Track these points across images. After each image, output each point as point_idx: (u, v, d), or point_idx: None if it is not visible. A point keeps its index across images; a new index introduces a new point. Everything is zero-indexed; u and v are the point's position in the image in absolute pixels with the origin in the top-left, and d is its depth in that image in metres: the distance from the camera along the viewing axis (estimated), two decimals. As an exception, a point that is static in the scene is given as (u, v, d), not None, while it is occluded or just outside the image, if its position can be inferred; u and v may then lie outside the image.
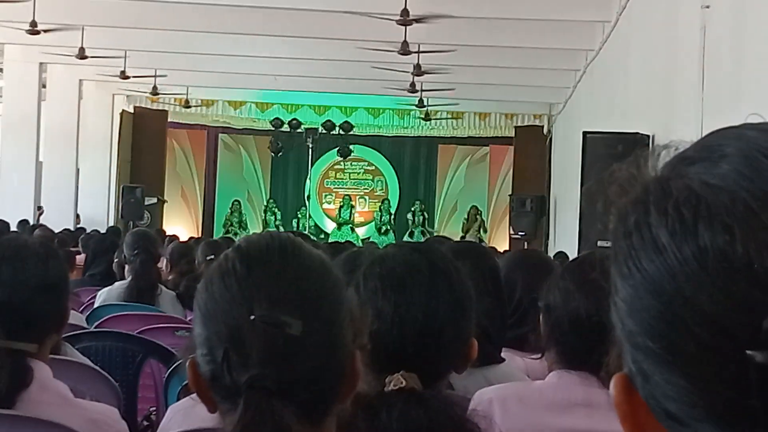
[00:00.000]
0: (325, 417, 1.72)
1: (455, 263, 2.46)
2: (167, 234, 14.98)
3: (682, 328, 0.86)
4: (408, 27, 14.11)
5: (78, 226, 19.98)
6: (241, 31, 16.63)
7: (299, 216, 27.74)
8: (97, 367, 4.04)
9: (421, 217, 27.59)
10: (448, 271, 2.38)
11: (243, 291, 1.68)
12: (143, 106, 25.61)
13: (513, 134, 25.94)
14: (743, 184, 0.87)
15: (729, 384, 0.84)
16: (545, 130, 24.51)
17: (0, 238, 3.17)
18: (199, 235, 22.64)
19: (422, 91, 20.52)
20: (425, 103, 22.53)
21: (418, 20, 13.86)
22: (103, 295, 7.03)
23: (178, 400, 3.79)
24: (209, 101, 26.41)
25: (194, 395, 1.74)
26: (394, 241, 23.44)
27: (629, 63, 12.33)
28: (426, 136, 27.88)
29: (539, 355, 3.13)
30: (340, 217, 28.06)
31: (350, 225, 27.90)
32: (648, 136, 10.34)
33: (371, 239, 25.60)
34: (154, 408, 5.24)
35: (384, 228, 27.64)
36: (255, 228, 27.34)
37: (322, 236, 26.29)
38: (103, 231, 14.91)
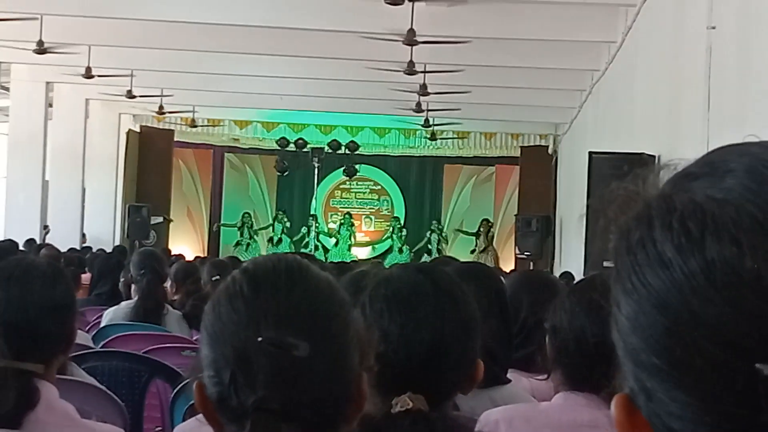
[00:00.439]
0: (332, 439, 1.72)
1: (460, 284, 2.46)
2: (173, 253, 14.99)
3: (688, 343, 0.84)
4: (414, 47, 14.12)
5: (84, 245, 19.99)
6: (248, 51, 16.66)
7: (307, 230, 27.69)
8: (103, 387, 4.04)
9: (437, 239, 27.48)
10: (454, 292, 2.38)
11: (250, 313, 1.69)
12: (149, 125, 25.65)
13: (519, 154, 25.95)
14: (749, 197, 0.87)
15: (737, 400, 0.83)
16: (551, 150, 24.51)
17: (8, 258, 3.17)
18: (205, 255, 22.66)
19: (428, 110, 20.53)
20: (431, 123, 22.54)
21: (424, 41, 13.87)
22: (109, 315, 7.04)
23: (184, 420, 3.79)
24: (215, 121, 26.44)
25: (200, 416, 1.75)
26: (409, 260, 23.47)
27: (635, 83, 12.34)
28: (432, 156, 27.90)
29: (545, 376, 3.13)
30: (339, 233, 28.03)
31: (349, 244, 27.84)
32: (654, 156, 10.33)
33: (388, 259, 25.56)
34: (160, 428, 5.24)
35: (401, 248, 27.56)
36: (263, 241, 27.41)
37: (327, 255, 26.33)
38: (109, 250, 14.93)
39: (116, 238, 23.14)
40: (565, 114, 20.46)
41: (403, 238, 27.87)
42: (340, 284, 1.87)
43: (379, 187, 28.90)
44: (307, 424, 1.65)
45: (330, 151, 26.60)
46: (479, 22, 14.25)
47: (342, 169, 27.40)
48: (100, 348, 5.90)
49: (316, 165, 26.41)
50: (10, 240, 13.55)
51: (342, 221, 28.20)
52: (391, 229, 28.14)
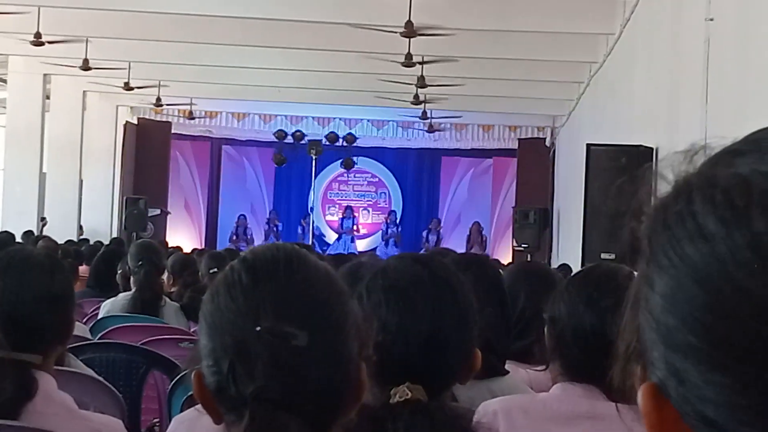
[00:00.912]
0: (331, 429, 1.72)
1: (457, 274, 2.46)
2: (170, 246, 14.98)
3: (731, 320, 0.81)
4: (412, 39, 14.11)
5: (81, 237, 19.98)
6: (245, 43, 16.65)
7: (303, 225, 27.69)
8: (101, 379, 4.05)
9: (435, 238, 27.44)
10: (451, 282, 2.38)
11: (249, 302, 1.69)
12: (147, 117, 25.64)
13: (516, 146, 25.94)
14: None
15: None
16: (549, 143, 24.52)
17: (5, 249, 3.17)
18: (203, 247, 22.66)
19: (426, 103, 20.53)
20: (429, 115, 22.53)
21: (421, 32, 13.86)
22: (107, 306, 7.04)
23: (181, 411, 3.79)
24: (213, 113, 26.44)
25: (199, 406, 1.75)
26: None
27: (633, 75, 12.34)
28: (429, 148, 27.88)
29: (543, 367, 3.13)
30: (342, 227, 28.02)
31: (351, 236, 27.85)
32: (652, 148, 10.35)
33: (377, 251, 25.54)
34: (158, 419, 5.24)
35: (391, 239, 27.55)
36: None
37: (325, 248, 26.32)
38: (106, 242, 14.92)
39: (113, 230, 23.13)
40: (563, 106, 20.46)
41: (397, 232, 27.83)
42: (337, 275, 1.87)
43: (377, 179, 28.89)
44: (306, 414, 1.65)
45: (328, 143, 26.61)
46: (477, 13, 14.24)
47: (339, 161, 27.41)
48: (98, 339, 5.90)
49: (314, 157, 26.40)
50: (6, 231, 13.55)
51: (343, 215, 28.18)
52: (386, 223, 28.10)
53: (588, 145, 11.00)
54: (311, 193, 27.57)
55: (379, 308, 2.27)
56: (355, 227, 28.05)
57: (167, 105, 23.71)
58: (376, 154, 28.30)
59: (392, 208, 28.50)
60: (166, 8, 14.65)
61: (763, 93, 6.56)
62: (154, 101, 22.26)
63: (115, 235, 21.68)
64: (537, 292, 4.19)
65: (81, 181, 22.05)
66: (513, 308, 4.11)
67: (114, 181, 23.94)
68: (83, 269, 9.92)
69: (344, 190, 28.96)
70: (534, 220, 22.06)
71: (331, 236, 28.23)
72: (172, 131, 26.36)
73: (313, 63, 18.05)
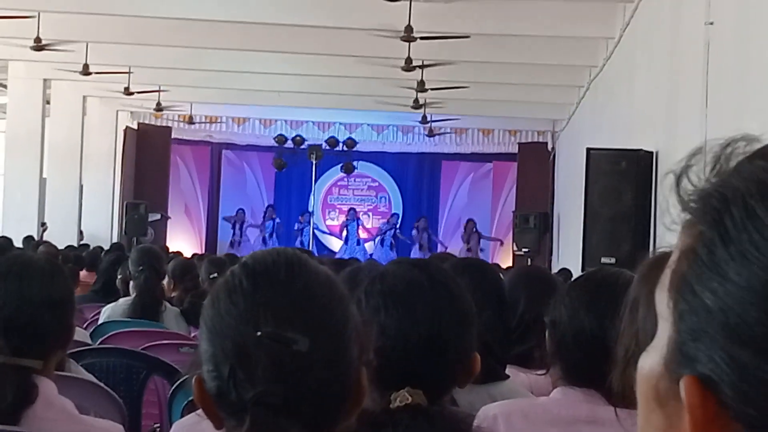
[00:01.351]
0: (331, 433, 1.72)
1: (455, 278, 2.46)
2: (170, 251, 14.98)
3: None
4: (411, 43, 14.11)
5: (81, 242, 19.98)
6: (245, 48, 16.65)
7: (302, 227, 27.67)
8: (101, 384, 4.04)
9: (426, 235, 27.43)
10: (449, 286, 2.38)
11: (249, 307, 1.69)
12: (147, 122, 25.66)
13: (516, 150, 25.95)
14: None
15: None
16: (549, 147, 24.51)
17: (6, 254, 3.17)
18: (203, 252, 22.65)
19: (426, 107, 20.52)
20: (429, 120, 22.53)
21: (421, 37, 13.87)
22: (107, 311, 7.04)
23: (182, 416, 3.79)
24: (213, 117, 26.44)
25: (200, 411, 1.75)
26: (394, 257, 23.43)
27: (633, 79, 12.34)
28: (429, 153, 27.87)
29: (543, 372, 3.14)
30: (347, 231, 27.95)
31: (357, 239, 27.81)
32: (651, 152, 10.35)
33: (373, 255, 25.51)
34: (158, 424, 5.24)
35: (388, 241, 27.50)
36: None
37: (325, 252, 26.30)
38: (106, 247, 14.93)
39: (114, 235, 23.13)
40: (563, 110, 20.46)
41: (395, 235, 27.77)
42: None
43: (377, 183, 28.88)
44: (306, 419, 1.65)
45: (328, 147, 26.60)
46: (477, 18, 14.25)
47: (340, 165, 27.42)
48: (98, 345, 5.90)
49: (314, 162, 26.42)
50: (4, 237, 13.55)
51: (347, 218, 28.12)
52: (387, 224, 28.04)
53: (588, 149, 11.00)
54: (311, 197, 27.57)
55: (378, 313, 2.27)
56: (360, 231, 27.96)
57: (167, 110, 23.70)
58: (377, 158, 28.29)
59: (394, 212, 28.42)
60: (166, 13, 14.65)
61: (763, 97, 6.56)
62: (155, 106, 22.25)
63: (115, 240, 21.67)
64: (537, 296, 4.19)
65: (81, 186, 22.05)
66: (513, 312, 4.12)
67: (114, 186, 23.95)
68: (84, 275, 9.92)
69: (344, 195, 28.93)
70: (534, 224, 22.06)
71: (331, 241, 28.17)
72: (173, 136, 26.38)
73: (313, 67, 18.06)
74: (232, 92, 21.41)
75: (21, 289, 2.91)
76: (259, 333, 1.64)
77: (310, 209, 27.57)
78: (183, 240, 25.86)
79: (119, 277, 7.96)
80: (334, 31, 15.15)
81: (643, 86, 11.66)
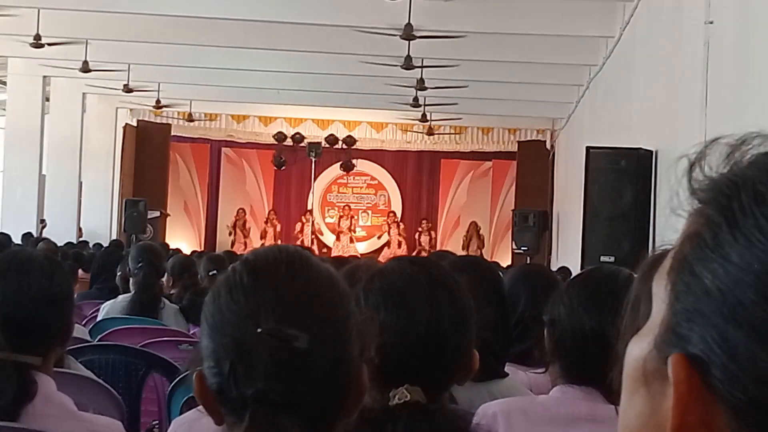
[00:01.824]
0: (331, 430, 1.72)
1: (454, 275, 2.46)
2: (171, 248, 14.99)
3: None
4: (411, 42, 14.11)
5: (80, 239, 19.98)
6: (245, 45, 16.65)
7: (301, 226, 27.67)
8: (100, 381, 4.05)
9: (428, 238, 27.42)
10: (448, 284, 2.38)
11: (250, 304, 1.69)
12: (146, 119, 25.67)
13: (516, 149, 25.96)
14: None
15: None
16: (548, 145, 24.52)
17: (5, 251, 3.17)
18: (202, 249, 22.66)
19: (425, 105, 20.53)
20: (428, 118, 22.53)
21: (421, 35, 13.86)
22: (106, 308, 7.04)
23: (181, 413, 3.79)
24: (212, 115, 26.43)
25: (201, 407, 1.75)
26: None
27: (632, 78, 12.34)
28: (429, 151, 27.88)
29: (543, 370, 3.14)
30: (340, 227, 27.96)
31: (350, 236, 27.79)
32: (651, 151, 10.35)
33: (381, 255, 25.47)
34: (157, 421, 5.25)
35: (394, 241, 27.46)
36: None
37: (324, 250, 26.31)
38: (105, 244, 14.93)
39: (113, 232, 23.14)
40: (563, 109, 20.46)
41: (400, 233, 27.78)
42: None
43: (376, 182, 28.88)
44: (306, 416, 1.65)
45: (327, 145, 26.62)
46: (476, 16, 14.25)
47: (339, 163, 27.42)
48: (98, 341, 5.90)
49: (313, 159, 26.43)
50: (3, 233, 13.55)
51: (341, 214, 28.13)
52: (388, 225, 28.03)
53: (588, 148, 10.99)
54: (311, 195, 27.58)
55: (376, 310, 2.27)
56: (352, 227, 27.95)
57: (167, 107, 23.71)
58: (376, 156, 28.29)
59: (392, 209, 28.40)
60: (166, 10, 14.65)
61: (763, 96, 6.56)
62: (154, 103, 22.27)
63: (114, 237, 21.67)
64: (537, 294, 4.19)
65: (80, 183, 22.06)
66: (512, 311, 4.12)
67: (113, 183, 23.96)
68: (83, 273, 9.92)
69: (343, 193, 28.93)
70: (533, 222, 22.06)
71: (330, 239, 28.16)
72: (172, 133, 26.38)
73: (312, 65, 18.06)
74: (232, 90, 21.41)
75: (20, 285, 2.91)
76: (259, 329, 1.64)
77: (309, 207, 27.56)
78: (182, 237, 25.87)
79: (118, 274, 7.96)
80: (333, 29, 15.15)
81: (642, 85, 11.66)
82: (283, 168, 27.55)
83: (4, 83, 21.06)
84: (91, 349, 5.36)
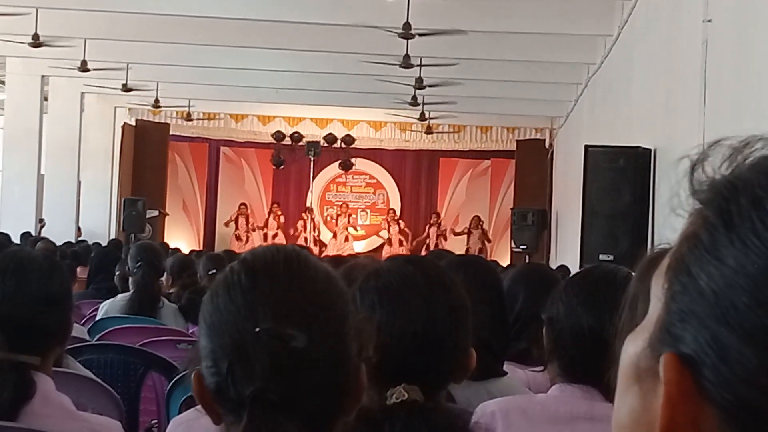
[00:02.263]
0: (330, 430, 1.72)
1: (449, 273, 2.46)
2: (170, 247, 14.98)
3: None
4: (410, 40, 14.12)
5: (79, 238, 19.98)
6: (243, 45, 16.64)
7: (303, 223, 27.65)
8: (99, 380, 4.04)
9: (435, 233, 27.38)
10: (444, 282, 2.38)
11: (248, 303, 1.69)
12: (145, 119, 25.65)
13: (515, 148, 25.95)
14: None
15: None
16: (547, 144, 24.52)
17: (4, 251, 3.17)
18: (201, 248, 22.65)
19: (424, 104, 20.53)
20: (427, 117, 22.53)
21: (420, 33, 13.86)
22: (105, 308, 7.04)
23: (179, 412, 3.79)
24: (211, 114, 26.43)
25: (199, 407, 1.75)
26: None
27: (631, 77, 12.34)
28: (427, 150, 27.87)
29: (541, 368, 3.14)
30: (337, 225, 27.93)
31: (346, 234, 27.75)
32: (650, 149, 10.35)
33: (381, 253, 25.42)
34: (156, 421, 5.24)
35: (394, 239, 27.39)
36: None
37: (323, 249, 26.31)
38: (104, 244, 14.92)
39: (112, 231, 23.14)
40: (561, 107, 20.47)
41: (401, 230, 27.73)
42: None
43: (375, 180, 28.87)
44: (305, 416, 1.65)
45: (326, 144, 26.62)
46: (475, 15, 14.25)
47: (338, 162, 27.42)
48: (96, 341, 5.90)
49: (312, 158, 26.43)
50: (2, 233, 13.54)
51: (338, 213, 28.11)
52: (387, 222, 27.98)
53: (586, 147, 11.00)
54: (309, 194, 27.57)
55: (372, 310, 2.27)
56: (349, 225, 27.89)
57: (165, 106, 23.70)
58: (374, 155, 28.28)
59: (391, 207, 28.35)
60: (164, 10, 14.65)
61: (761, 94, 6.56)
62: (152, 103, 22.25)
63: (113, 236, 21.66)
64: (535, 293, 4.19)
65: (79, 183, 22.07)
66: (511, 309, 4.12)
67: (112, 183, 23.96)
68: (81, 270, 9.91)
69: (342, 192, 28.92)
70: (532, 221, 22.04)
71: (327, 237, 28.13)
72: (170, 133, 26.36)
73: (311, 64, 18.06)
74: (230, 89, 21.42)
75: (19, 285, 2.91)
76: (257, 329, 1.64)
77: (308, 206, 27.55)
78: (181, 237, 25.86)
79: (117, 273, 7.96)
80: (332, 28, 15.15)
81: (641, 83, 11.66)
82: (282, 167, 27.54)
83: (3, 83, 21.06)
84: (89, 349, 5.36)
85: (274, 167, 27.76)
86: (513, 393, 3.27)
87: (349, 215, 27.99)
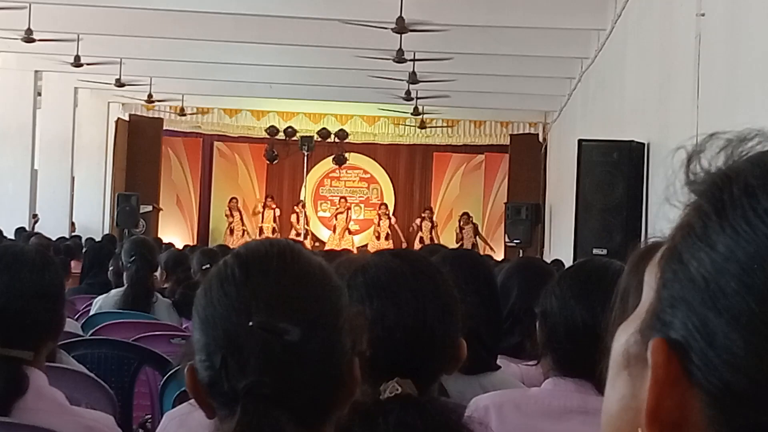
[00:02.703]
0: (323, 424, 1.72)
1: (436, 265, 2.47)
2: (164, 242, 14.98)
3: None
4: (403, 35, 14.11)
5: (73, 234, 19.97)
6: (237, 39, 16.64)
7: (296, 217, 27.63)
8: (92, 375, 4.04)
9: (429, 224, 27.34)
10: (431, 274, 2.38)
11: (241, 297, 1.69)
12: (138, 114, 25.63)
13: (508, 142, 25.96)
14: None
15: None
16: (540, 138, 24.52)
17: (-3, 245, 3.17)
18: (195, 243, 22.64)
19: (417, 99, 20.52)
20: (420, 111, 22.53)
21: (413, 28, 13.86)
22: (98, 303, 7.04)
23: (173, 407, 3.79)
24: (204, 109, 26.42)
25: (193, 401, 1.75)
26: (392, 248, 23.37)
27: (624, 71, 12.35)
28: (421, 144, 27.88)
29: (535, 362, 3.14)
30: (336, 219, 27.87)
31: (344, 227, 27.71)
32: (643, 143, 10.35)
33: (368, 246, 25.42)
34: (150, 415, 5.24)
35: (383, 233, 27.38)
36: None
37: (317, 243, 26.28)
38: (98, 239, 14.91)
39: (105, 226, 23.13)
40: (555, 102, 20.47)
41: (391, 225, 27.69)
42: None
43: (369, 175, 28.87)
44: (298, 409, 1.65)
45: (319, 139, 26.61)
46: (468, 9, 14.25)
47: (331, 157, 27.41)
48: (90, 336, 5.90)
49: (306, 153, 26.43)
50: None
51: (337, 208, 28.03)
52: (378, 217, 27.93)
53: (580, 141, 11.00)
54: (303, 189, 27.56)
55: (362, 305, 2.27)
56: (347, 220, 27.85)
57: (159, 101, 23.67)
58: (368, 149, 28.29)
59: (384, 201, 28.32)
60: (158, 5, 14.65)
61: (754, 88, 6.57)
62: (146, 98, 22.23)
63: (107, 231, 21.67)
64: (529, 287, 4.19)
65: (73, 178, 22.06)
66: (504, 303, 4.12)
67: (106, 178, 23.95)
68: (75, 264, 9.92)
69: (336, 186, 28.91)
70: (526, 215, 22.04)
71: (323, 233, 28.12)
72: (164, 127, 26.39)
73: (305, 59, 18.04)
74: (224, 84, 21.40)
75: (11, 280, 2.90)
76: (251, 323, 1.64)
77: (302, 201, 27.54)
78: (174, 232, 25.83)
79: (111, 268, 7.95)
80: (325, 23, 15.14)
81: (634, 78, 11.67)
82: (276, 162, 27.53)
83: (-4, 78, 21.03)
84: (83, 344, 5.36)
85: (267, 162, 27.75)
86: (506, 387, 3.27)
87: (348, 209, 27.94)
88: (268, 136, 26.80)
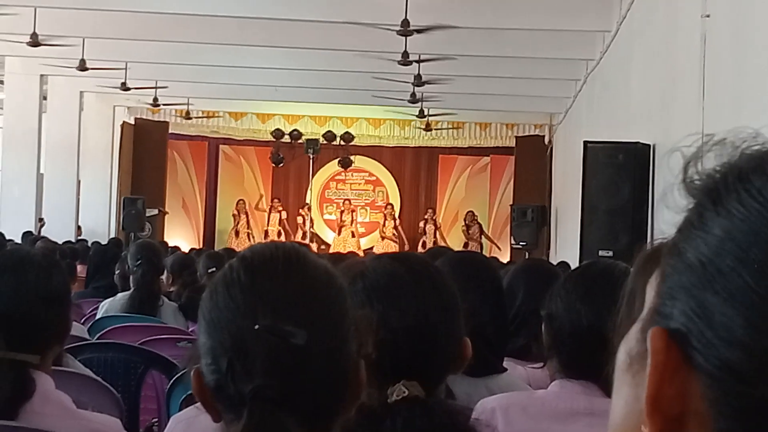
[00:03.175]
0: (329, 427, 1.72)
1: (435, 266, 2.47)
2: (170, 246, 15.00)
3: None
4: (408, 37, 14.11)
5: (79, 237, 19.98)
6: (242, 43, 16.64)
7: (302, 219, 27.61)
8: (99, 379, 4.05)
9: (433, 227, 27.31)
10: (430, 275, 2.39)
11: (247, 301, 1.69)
12: (144, 117, 25.65)
13: (514, 144, 25.93)
14: None
15: None
16: (546, 140, 24.51)
17: (2, 250, 3.17)
18: (201, 247, 22.65)
19: (423, 101, 20.52)
20: (426, 114, 22.52)
21: (418, 30, 13.86)
22: (105, 306, 7.04)
23: (180, 410, 3.79)
24: (210, 112, 26.43)
25: (199, 404, 1.75)
26: (397, 250, 23.42)
27: (630, 72, 12.34)
28: (427, 147, 27.85)
29: (541, 365, 3.14)
30: (342, 221, 27.83)
31: (352, 230, 27.68)
32: (649, 145, 10.34)
33: (374, 249, 25.40)
34: (156, 419, 5.25)
35: (388, 233, 27.32)
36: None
37: (323, 246, 26.27)
38: (104, 242, 14.93)
39: (111, 230, 23.15)
40: (560, 103, 20.46)
41: (396, 226, 27.66)
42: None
43: (375, 178, 28.85)
44: (304, 413, 1.65)
45: (325, 142, 26.61)
46: (473, 11, 14.25)
47: (337, 160, 27.41)
48: (96, 340, 5.90)
49: (311, 156, 26.43)
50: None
51: (342, 209, 28.01)
52: (384, 218, 27.89)
53: (585, 143, 10.99)
54: (309, 192, 27.56)
55: (362, 310, 2.27)
56: (354, 223, 27.81)
57: (164, 105, 23.69)
58: (374, 152, 28.27)
59: (390, 201, 28.27)
60: (163, 8, 14.66)
61: (760, 89, 6.56)
62: (151, 101, 22.24)
63: (113, 235, 21.69)
64: (535, 289, 4.19)
65: (78, 182, 22.06)
66: (510, 305, 4.12)
67: (111, 182, 23.96)
68: (81, 269, 9.92)
69: (342, 189, 28.90)
70: (532, 217, 22.03)
71: (329, 236, 28.09)
72: (170, 131, 26.38)
73: (310, 62, 18.05)
74: (229, 87, 21.41)
75: (18, 284, 2.91)
76: (257, 326, 1.64)
77: (308, 204, 27.53)
78: (180, 235, 25.86)
79: (117, 272, 7.96)
80: (330, 26, 15.15)
81: (639, 79, 11.66)
82: (281, 165, 27.54)
83: (2, 82, 21.05)
84: (89, 347, 5.36)
85: (273, 165, 27.76)
86: (513, 389, 3.27)
87: (352, 211, 27.90)
88: (273, 140, 26.82)
